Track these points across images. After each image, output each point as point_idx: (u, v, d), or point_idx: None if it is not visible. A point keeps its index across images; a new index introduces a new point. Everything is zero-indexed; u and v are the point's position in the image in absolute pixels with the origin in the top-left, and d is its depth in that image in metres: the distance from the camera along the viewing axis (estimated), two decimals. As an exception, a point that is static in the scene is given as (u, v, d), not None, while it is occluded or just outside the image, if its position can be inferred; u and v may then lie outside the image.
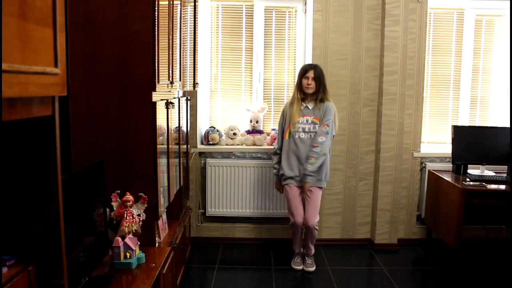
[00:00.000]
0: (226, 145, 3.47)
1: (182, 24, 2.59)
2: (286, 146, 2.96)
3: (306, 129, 2.90)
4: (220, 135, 3.50)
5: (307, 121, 2.91)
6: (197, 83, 3.10)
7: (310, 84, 2.88)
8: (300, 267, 3.07)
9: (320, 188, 2.97)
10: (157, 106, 2.04)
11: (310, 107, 2.92)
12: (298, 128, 2.90)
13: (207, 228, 3.54)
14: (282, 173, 3.00)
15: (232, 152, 3.49)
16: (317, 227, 2.97)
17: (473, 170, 3.20)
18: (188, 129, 3.15)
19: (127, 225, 1.92)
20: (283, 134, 3.00)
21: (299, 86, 2.94)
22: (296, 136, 2.91)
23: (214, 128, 3.49)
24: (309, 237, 3.01)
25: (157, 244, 2.23)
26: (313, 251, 3.09)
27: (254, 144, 3.46)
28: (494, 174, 3.15)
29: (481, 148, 3.15)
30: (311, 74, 2.88)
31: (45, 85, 0.94)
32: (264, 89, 3.60)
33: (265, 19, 3.52)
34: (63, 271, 1.10)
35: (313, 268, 3.05)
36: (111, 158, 2.02)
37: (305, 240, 3.07)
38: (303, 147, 2.90)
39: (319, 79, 2.88)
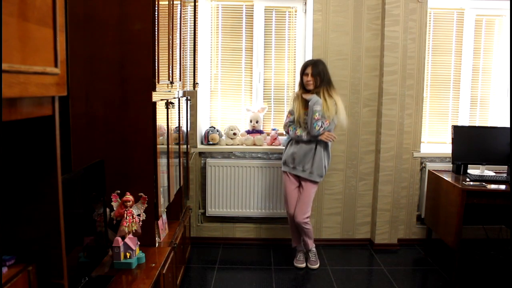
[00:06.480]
0: (226, 145, 3.47)
1: (182, 24, 2.59)
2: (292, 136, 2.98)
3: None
4: (220, 135, 3.50)
5: None
6: (197, 83, 3.10)
7: (309, 81, 2.88)
8: (303, 265, 3.08)
9: (314, 183, 2.95)
10: (157, 106, 2.05)
11: None
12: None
13: (207, 228, 3.54)
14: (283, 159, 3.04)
15: (232, 152, 3.49)
16: (306, 222, 2.96)
17: (473, 170, 3.20)
18: (188, 129, 3.16)
19: (127, 225, 1.92)
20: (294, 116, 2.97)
21: (301, 83, 2.95)
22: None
23: (214, 128, 3.49)
24: (301, 232, 3.05)
25: (157, 244, 2.23)
26: (310, 246, 3.09)
27: (254, 144, 3.46)
28: (494, 174, 3.15)
29: (481, 148, 3.15)
30: (309, 70, 2.88)
31: (45, 85, 0.94)
32: (264, 89, 3.60)
33: (265, 19, 3.52)
34: (63, 271, 1.10)
35: (316, 265, 3.07)
36: (111, 158, 2.02)
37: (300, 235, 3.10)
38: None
39: (319, 75, 2.86)
